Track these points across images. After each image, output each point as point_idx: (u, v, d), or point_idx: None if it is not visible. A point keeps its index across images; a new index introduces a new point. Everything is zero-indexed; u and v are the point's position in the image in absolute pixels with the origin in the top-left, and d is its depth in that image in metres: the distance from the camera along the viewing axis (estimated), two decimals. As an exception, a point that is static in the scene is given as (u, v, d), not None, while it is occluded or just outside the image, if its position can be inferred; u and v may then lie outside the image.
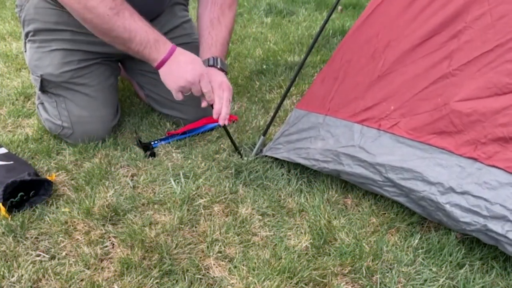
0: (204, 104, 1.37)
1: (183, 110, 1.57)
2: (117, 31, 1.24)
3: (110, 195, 1.24)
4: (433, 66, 1.10)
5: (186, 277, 1.01)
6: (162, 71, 1.32)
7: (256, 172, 1.34)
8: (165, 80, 1.33)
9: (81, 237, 1.11)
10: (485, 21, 1.04)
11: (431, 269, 1.04)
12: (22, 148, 1.45)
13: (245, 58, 2.21)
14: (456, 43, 1.08)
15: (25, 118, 1.66)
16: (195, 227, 1.16)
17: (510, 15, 1.01)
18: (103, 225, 1.15)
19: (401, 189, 1.10)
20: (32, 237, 1.11)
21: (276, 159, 1.38)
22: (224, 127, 1.37)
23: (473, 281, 1.00)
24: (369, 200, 1.25)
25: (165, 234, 1.12)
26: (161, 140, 1.51)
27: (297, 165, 1.35)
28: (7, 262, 1.04)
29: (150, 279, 1.00)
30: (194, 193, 1.26)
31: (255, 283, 0.99)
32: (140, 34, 1.26)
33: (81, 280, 1.00)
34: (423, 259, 1.07)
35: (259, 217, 1.20)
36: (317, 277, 1.01)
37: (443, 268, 1.04)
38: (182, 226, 1.16)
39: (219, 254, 1.08)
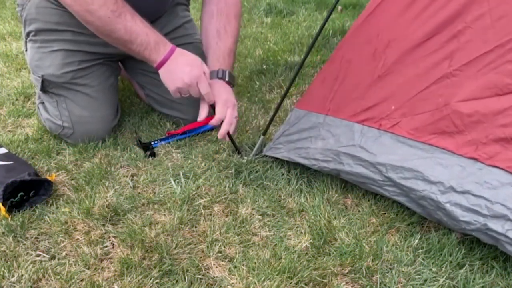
0: (203, 113, 1.36)
1: (183, 110, 1.57)
2: (118, 33, 1.26)
3: (110, 195, 1.24)
4: (434, 66, 1.10)
5: (186, 277, 1.01)
6: (161, 72, 1.33)
7: (256, 172, 1.34)
8: (164, 80, 1.34)
9: (81, 237, 1.12)
10: (485, 22, 1.04)
11: (431, 269, 1.04)
12: (22, 148, 1.45)
13: (245, 58, 2.21)
14: (456, 43, 1.08)
15: (25, 118, 1.66)
16: (195, 227, 1.16)
17: (510, 15, 1.02)
18: (103, 225, 1.15)
19: (401, 189, 1.10)
20: (32, 237, 1.11)
21: (276, 159, 1.38)
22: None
23: (473, 281, 1.00)
24: (369, 200, 1.25)
25: (165, 234, 1.12)
26: (161, 140, 1.51)
27: (297, 165, 1.35)
28: (7, 262, 1.04)
29: (150, 279, 1.00)
30: (194, 193, 1.26)
31: (255, 283, 0.99)
32: (141, 36, 1.27)
33: (81, 280, 1.00)
34: (423, 259, 1.07)
35: (259, 217, 1.20)
36: (317, 277, 1.01)
37: (443, 268, 1.04)
38: (182, 226, 1.16)
39: (219, 254, 1.08)
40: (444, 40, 1.10)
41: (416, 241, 1.11)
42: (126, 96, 1.82)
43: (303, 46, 2.36)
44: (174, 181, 1.31)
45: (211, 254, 1.08)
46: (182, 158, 1.43)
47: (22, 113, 1.68)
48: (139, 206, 1.23)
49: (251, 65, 2.14)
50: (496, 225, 0.94)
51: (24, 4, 1.45)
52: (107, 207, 1.19)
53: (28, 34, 1.48)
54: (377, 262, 1.05)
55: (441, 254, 1.07)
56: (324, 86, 1.31)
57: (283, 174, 1.34)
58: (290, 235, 1.14)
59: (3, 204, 1.15)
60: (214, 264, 1.05)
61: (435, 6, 1.13)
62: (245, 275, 1.01)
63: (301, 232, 1.15)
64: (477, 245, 1.09)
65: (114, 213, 1.18)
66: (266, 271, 1.02)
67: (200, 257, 1.07)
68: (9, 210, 1.16)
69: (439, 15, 1.11)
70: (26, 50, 1.52)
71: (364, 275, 1.02)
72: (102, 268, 1.04)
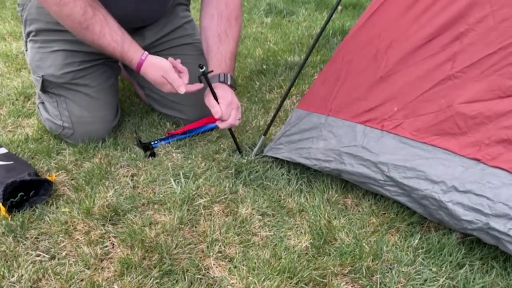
0: (215, 110, 1.36)
1: (183, 110, 1.57)
2: (88, 41, 1.31)
3: (110, 195, 1.24)
4: (436, 68, 1.10)
5: (186, 277, 1.01)
6: (144, 69, 1.36)
7: (256, 172, 1.34)
8: (149, 77, 1.37)
9: (81, 237, 1.11)
10: (487, 24, 1.04)
11: (431, 269, 1.04)
12: (22, 148, 1.45)
13: (245, 58, 2.21)
14: (459, 45, 1.08)
15: (25, 118, 1.66)
16: (195, 227, 1.16)
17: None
18: (103, 225, 1.15)
19: (403, 188, 1.10)
20: (32, 237, 1.11)
21: (276, 159, 1.38)
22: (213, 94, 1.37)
23: (473, 281, 1.00)
24: (369, 200, 1.25)
25: (165, 234, 1.12)
26: (161, 140, 1.51)
27: (297, 165, 1.35)
28: (7, 262, 1.04)
29: (150, 279, 1.00)
30: (194, 193, 1.26)
31: (255, 283, 0.99)
32: (108, 49, 1.32)
33: (81, 280, 1.00)
34: (423, 259, 1.07)
35: (259, 217, 1.20)
36: (317, 277, 1.01)
37: (443, 268, 1.04)
38: (182, 226, 1.16)
39: (219, 254, 1.08)
40: (447, 42, 1.10)
41: (416, 241, 1.11)
42: (126, 96, 1.82)
43: (303, 46, 2.36)
44: (174, 181, 1.31)
45: (211, 254, 1.08)
46: (182, 158, 1.43)
47: (22, 113, 1.68)
48: (139, 206, 1.22)
49: (251, 65, 2.14)
50: (498, 224, 0.95)
51: (24, 4, 1.45)
52: (107, 207, 1.19)
53: (28, 34, 1.48)
54: (377, 262, 1.05)
55: (441, 254, 1.07)
56: (325, 87, 1.31)
57: (283, 174, 1.34)
58: (290, 235, 1.14)
59: (3, 204, 1.15)
60: (214, 264, 1.05)
61: (437, 7, 1.13)
62: (245, 275, 1.01)
63: (301, 232, 1.15)
64: (477, 245, 1.09)
65: (114, 213, 1.18)
66: (266, 271, 1.02)
67: (200, 257, 1.07)
68: (9, 210, 1.16)
69: (441, 16, 1.11)
70: (26, 50, 1.52)
71: (364, 275, 1.02)
72: (102, 268, 1.04)
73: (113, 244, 1.10)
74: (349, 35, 1.32)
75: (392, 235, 1.15)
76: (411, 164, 1.09)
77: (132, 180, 1.33)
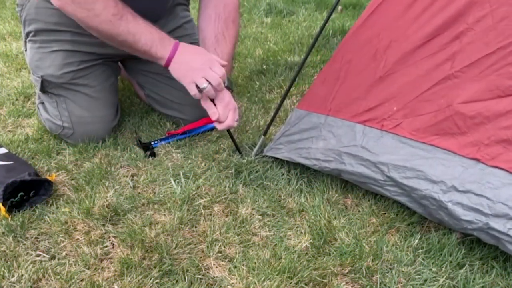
0: (212, 111, 1.34)
1: (183, 110, 1.57)
2: (122, 35, 1.25)
3: (110, 195, 1.24)
4: (436, 68, 1.10)
5: (186, 277, 1.01)
6: (172, 68, 1.31)
7: (256, 172, 1.34)
8: (176, 75, 1.32)
9: (81, 237, 1.12)
10: (486, 23, 1.04)
11: (431, 269, 1.04)
12: (22, 148, 1.45)
13: (245, 58, 2.21)
14: (458, 45, 1.08)
15: (25, 118, 1.66)
16: (195, 227, 1.16)
17: (511, 17, 1.02)
18: (103, 225, 1.15)
19: (403, 188, 1.10)
20: (32, 237, 1.11)
21: (276, 159, 1.38)
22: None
23: (473, 281, 1.01)
24: (369, 200, 1.25)
25: (165, 234, 1.12)
26: (161, 140, 1.51)
27: (297, 165, 1.35)
28: (7, 262, 1.04)
29: (150, 279, 1.00)
30: (194, 193, 1.26)
31: (255, 283, 0.99)
32: (145, 35, 1.27)
33: (81, 280, 1.00)
34: (423, 259, 1.07)
35: (259, 217, 1.20)
36: (317, 277, 1.01)
37: (443, 268, 1.04)
38: (182, 226, 1.16)
39: (219, 254, 1.08)
40: (446, 41, 1.10)
41: (416, 241, 1.11)
42: (126, 96, 1.82)
43: (303, 46, 2.36)
44: (174, 181, 1.31)
45: (211, 254, 1.08)
46: (182, 158, 1.43)
47: (22, 113, 1.68)
48: (139, 206, 1.23)
49: (251, 65, 2.14)
50: (498, 224, 0.95)
51: (23, 5, 1.45)
52: (107, 207, 1.19)
53: (27, 34, 1.48)
54: (377, 262, 1.05)
55: (441, 254, 1.07)
56: (324, 87, 1.31)
57: (283, 174, 1.34)
58: (290, 235, 1.14)
59: (3, 204, 1.15)
60: (214, 264, 1.05)
61: (436, 7, 1.13)
62: (245, 275, 1.01)
63: (301, 232, 1.15)
64: (477, 245, 1.09)
65: (114, 213, 1.18)
66: (266, 271, 1.02)
67: (200, 257, 1.07)
68: (9, 210, 1.16)
69: (440, 16, 1.11)
70: (26, 50, 1.52)
71: (364, 275, 1.02)
72: (102, 268, 1.04)
73: (113, 244, 1.10)
74: (348, 35, 1.32)
75: (392, 235, 1.15)
76: (411, 164, 1.09)
77: (132, 180, 1.33)
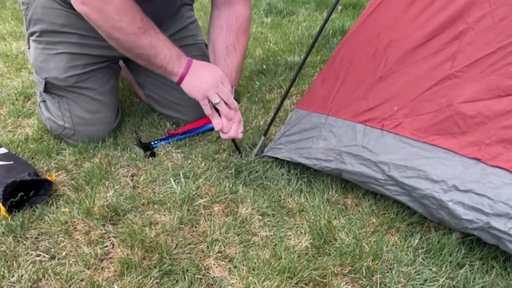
0: (216, 123, 1.35)
1: (183, 111, 1.57)
2: (143, 48, 1.25)
3: (110, 195, 1.24)
4: (436, 67, 1.10)
5: (186, 277, 1.01)
6: (184, 83, 1.32)
7: (256, 172, 1.34)
8: (189, 91, 1.33)
9: (81, 237, 1.12)
10: (486, 23, 1.04)
11: (431, 269, 1.04)
12: (22, 148, 1.45)
13: (245, 58, 2.21)
14: (458, 45, 1.08)
15: (25, 118, 1.66)
16: (195, 227, 1.16)
17: (510, 17, 1.02)
18: (103, 225, 1.15)
19: (404, 188, 1.10)
20: (32, 237, 1.11)
21: (276, 159, 1.38)
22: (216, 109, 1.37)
23: (473, 281, 1.00)
24: (369, 200, 1.25)
25: (165, 234, 1.12)
26: (161, 140, 1.51)
27: (297, 165, 1.35)
28: (7, 262, 1.04)
29: (150, 279, 1.00)
30: (194, 193, 1.26)
31: (255, 283, 0.99)
32: (165, 50, 1.27)
33: (81, 280, 1.00)
34: (423, 259, 1.07)
35: (259, 217, 1.20)
36: (317, 277, 1.01)
37: (443, 268, 1.04)
38: (182, 226, 1.16)
39: (219, 254, 1.08)
40: (446, 41, 1.10)
41: (416, 241, 1.11)
42: (126, 96, 1.82)
43: (303, 46, 2.36)
44: (174, 181, 1.31)
45: (211, 254, 1.08)
46: (182, 158, 1.43)
47: (22, 113, 1.68)
48: (139, 206, 1.23)
49: (251, 65, 2.14)
50: (499, 223, 0.95)
51: (29, 3, 1.43)
52: (107, 207, 1.19)
53: (32, 34, 1.47)
54: (377, 262, 1.05)
55: (441, 254, 1.07)
56: (325, 87, 1.31)
57: (283, 174, 1.34)
58: (290, 235, 1.14)
59: (3, 204, 1.15)
60: (214, 264, 1.05)
61: (436, 6, 1.13)
62: (245, 275, 1.01)
63: (301, 232, 1.15)
64: (477, 245, 1.09)
65: (114, 213, 1.18)
66: (266, 271, 1.02)
67: (200, 257, 1.07)
68: (9, 210, 1.16)
69: (440, 15, 1.11)
70: (29, 48, 1.51)
71: (364, 275, 1.02)
72: (102, 268, 1.04)
73: (113, 244, 1.10)
74: (348, 35, 1.32)
75: (392, 235, 1.15)
76: (412, 163, 1.09)
77: (132, 180, 1.33)
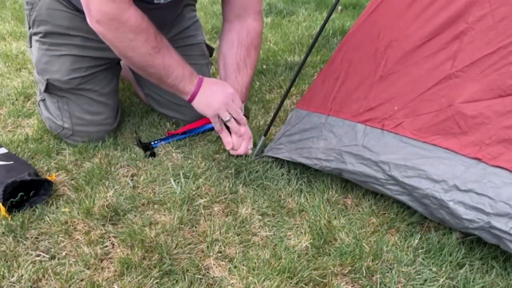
0: (226, 140, 1.36)
1: (183, 111, 1.57)
2: (156, 67, 1.25)
3: (110, 195, 1.24)
4: (436, 67, 1.10)
5: (186, 277, 1.01)
6: (196, 102, 1.32)
7: (256, 172, 1.34)
8: (200, 109, 1.33)
9: (81, 237, 1.11)
10: (486, 23, 1.04)
11: (431, 269, 1.04)
12: (22, 148, 1.45)
13: (245, 58, 2.21)
14: (459, 44, 1.08)
15: (25, 118, 1.66)
16: (195, 227, 1.16)
17: (511, 16, 1.02)
18: (103, 225, 1.15)
19: (404, 187, 1.10)
20: (32, 237, 1.11)
21: (276, 159, 1.38)
22: (225, 124, 1.38)
23: (473, 281, 1.00)
24: (369, 200, 1.25)
25: (165, 234, 1.12)
26: (161, 140, 1.51)
27: (297, 165, 1.35)
28: (7, 262, 1.04)
29: (150, 279, 1.00)
30: (194, 193, 1.26)
31: (255, 283, 0.99)
32: (177, 70, 1.27)
33: (81, 280, 1.00)
34: (423, 259, 1.07)
35: (259, 217, 1.20)
36: (317, 277, 1.01)
37: (443, 268, 1.04)
38: (182, 226, 1.16)
39: (219, 254, 1.08)
40: (446, 41, 1.10)
41: (416, 241, 1.11)
42: (126, 96, 1.82)
43: (303, 46, 2.36)
44: (174, 181, 1.31)
45: (211, 254, 1.08)
46: (182, 158, 1.43)
47: (22, 113, 1.68)
48: (139, 206, 1.22)
49: (251, 65, 2.13)
50: (500, 223, 0.95)
51: (34, 3, 1.42)
52: (107, 207, 1.19)
53: (35, 34, 1.46)
54: (377, 262, 1.05)
55: (441, 254, 1.07)
56: (325, 86, 1.31)
57: (283, 174, 1.34)
58: (290, 235, 1.14)
59: (3, 204, 1.14)
60: (214, 264, 1.05)
61: (436, 6, 1.13)
62: (245, 275, 1.01)
63: (301, 232, 1.15)
64: (477, 245, 1.09)
65: (114, 213, 1.18)
66: (266, 271, 1.02)
67: (200, 257, 1.07)
68: (9, 210, 1.16)
69: (440, 15, 1.11)
70: (31, 47, 1.50)
71: (364, 275, 1.02)
72: (102, 268, 1.04)
73: (113, 244, 1.10)
74: (348, 35, 1.32)
75: (392, 235, 1.15)
76: (412, 163, 1.09)
77: (132, 180, 1.33)
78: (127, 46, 1.21)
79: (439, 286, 1.00)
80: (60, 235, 1.12)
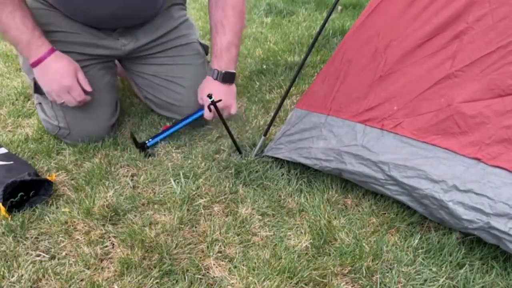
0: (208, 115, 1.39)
1: (181, 111, 1.57)
2: None
3: (110, 195, 1.24)
4: (436, 67, 1.10)
5: (186, 277, 1.01)
6: (35, 71, 1.34)
7: (256, 172, 1.34)
8: (37, 79, 1.36)
9: (81, 237, 1.11)
10: (486, 22, 1.04)
11: (431, 269, 1.04)
12: (22, 148, 1.45)
13: (245, 58, 2.21)
14: (459, 44, 1.08)
15: (25, 118, 1.66)
16: (195, 227, 1.16)
17: (511, 16, 1.02)
18: (103, 225, 1.15)
19: (404, 187, 1.10)
20: (32, 237, 1.11)
21: (276, 159, 1.38)
22: (225, 125, 1.38)
23: (473, 281, 1.00)
24: (369, 200, 1.25)
25: (165, 234, 1.12)
26: (154, 137, 1.49)
27: (297, 165, 1.35)
28: (7, 262, 1.04)
29: (150, 279, 1.00)
30: (194, 193, 1.26)
31: (255, 283, 0.99)
32: (14, 31, 1.28)
33: (81, 280, 1.00)
34: (423, 259, 1.07)
35: (259, 217, 1.20)
36: (317, 277, 1.01)
37: (443, 268, 1.04)
38: (182, 226, 1.16)
39: (219, 254, 1.08)
40: (446, 40, 1.10)
41: (416, 241, 1.11)
42: (126, 96, 1.82)
43: (303, 46, 2.36)
44: (174, 181, 1.31)
45: (211, 254, 1.08)
46: (182, 158, 1.43)
47: (22, 113, 1.68)
48: (139, 206, 1.23)
49: (251, 65, 2.14)
50: (499, 223, 0.95)
51: None
52: (107, 207, 1.19)
53: None
54: (377, 262, 1.05)
55: (441, 254, 1.07)
56: (325, 86, 1.31)
57: (283, 174, 1.34)
58: (290, 235, 1.14)
59: (3, 204, 1.15)
60: (214, 264, 1.05)
61: (436, 6, 1.13)
62: (245, 275, 1.01)
63: (301, 232, 1.15)
64: (477, 245, 1.09)
65: (114, 213, 1.18)
66: (266, 271, 1.02)
67: (200, 257, 1.07)
68: (9, 210, 1.16)
69: (440, 15, 1.11)
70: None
71: (364, 275, 1.02)
72: (102, 268, 1.04)
73: (113, 244, 1.10)
74: (348, 34, 1.32)
75: (392, 235, 1.15)
76: (412, 163, 1.09)
77: (132, 180, 1.33)
78: None
79: (439, 286, 1.00)
80: (60, 235, 1.12)
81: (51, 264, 1.04)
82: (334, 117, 1.26)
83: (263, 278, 1.00)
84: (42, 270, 1.02)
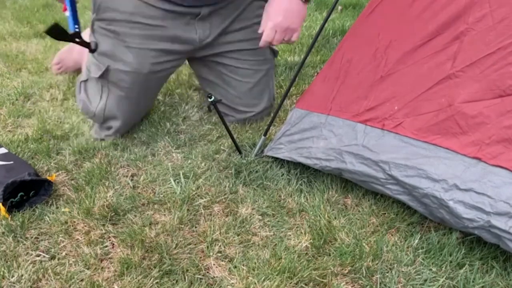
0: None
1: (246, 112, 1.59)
2: None
3: (110, 195, 1.24)
4: (436, 67, 1.11)
5: (186, 277, 1.01)
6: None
7: (256, 172, 1.34)
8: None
9: (81, 237, 1.11)
10: (486, 23, 1.04)
11: (431, 269, 1.04)
12: (22, 148, 1.45)
13: (245, 58, 2.21)
14: (459, 44, 1.08)
15: (25, 118, 1.66)
16: (195, 227, 1.16)
17: (511, 17, 1.02)
18: (103, 225, 1.15)
19: (404, 187, 1.10)
20: (32, 237, 1.11)
21: (276, 159, 1.38)
22: (225, 125, 1.38)
23: (473, 281, 1.00)
24: (369, 200, 1.25)
25: (165, 234, 1.12)
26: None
27: (297, 165, 1.35)
28: (7, 262, 1.04)
29: (150, 279, 1.00)
30: (194, 193, 1.26)
31: (255, 283, 0.99)
32: None
33: (81, 280, 1.00)
34: (423, 259, 1.07)
35: (259, 217, 1.20)
36: (317, 277, 1.01)
37: (443, 268, 1.04)
38: (182, 226, 1.16)
39: (219, 254, 1.08)
40: (446, 41, 1.10)
41: (416, 241, 1.11)
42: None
43: (303, 46, 2.36)
44: (174, 181, 1.31)
45: (211, 254, 1.08)
46: (182, 158, 1.43)
47: (22, 113, 1.68)
48: (139, 206, 1.23)
49: (251, 65, 2.13)
50: (499, 222, 0.95)
51: None
52: (107, 207, 1.19)
53: (99, 20, 1.42)
54: (377, 262, 1.05)
55: (441, 254, 1.07)
56: (325, 86, 1.31)
57: (283, 174, 1.34)
58: (290, 235, 1.14)
59: (3, 204, 1.15)
60: (214, 264, 1.05)
61: (436, 6, 1.13)
62: (245, 275, 1.01)
63: (301, 232, 1.15)
64: (477, 245, 1.09)
65: (114, 213, 1.18)
66: (266, 271, 1.02)
67: (200, 257, 1.07)
68: (9, 210, 1.16)
69: (440, 15, 1.11)
70: (93, 32, 1.46)
71: (364, 275, 1.02)
72: (102, 268, 1.04)
73: (113, 244, 1.10)
74: (348, 34, 1.32)
75: (392, 235, 1.15)
76: (412, 163, 1.09)
77: (132, 180, 1.33)
78: None
79: (439, 286, 1.00)
80: (60, 235, 1.12)
81: (51, 264, 1.04)
82: (335, 117, 1.26)
83: (263, 278, 1.00)
84: (42, 270, 1.02)
